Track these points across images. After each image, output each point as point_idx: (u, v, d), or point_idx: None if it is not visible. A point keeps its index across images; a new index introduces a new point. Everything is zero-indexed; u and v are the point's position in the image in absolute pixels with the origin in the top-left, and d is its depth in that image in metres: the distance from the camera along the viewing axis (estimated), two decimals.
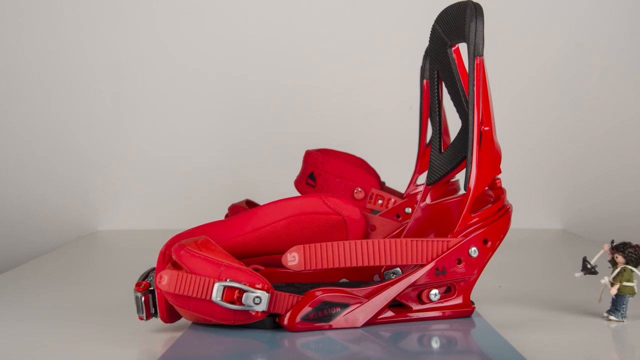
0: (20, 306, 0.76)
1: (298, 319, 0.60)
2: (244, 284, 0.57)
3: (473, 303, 0.65)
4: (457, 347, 0.58)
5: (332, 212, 0.67)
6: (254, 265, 0.66)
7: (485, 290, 0.73)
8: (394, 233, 0.71)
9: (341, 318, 0.60)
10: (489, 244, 0.63)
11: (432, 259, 0.61)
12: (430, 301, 0.63)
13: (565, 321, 0.66)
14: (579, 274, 0.67)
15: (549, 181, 1.46)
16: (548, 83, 1.46)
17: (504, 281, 0.84)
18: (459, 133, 0.65)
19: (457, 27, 0.63)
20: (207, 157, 1.46)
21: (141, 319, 0.63)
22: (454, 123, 0.72)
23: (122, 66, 1.44)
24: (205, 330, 0.61)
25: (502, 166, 0.64)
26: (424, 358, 0.56)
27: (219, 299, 0.57)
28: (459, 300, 0.64)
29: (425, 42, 0.72)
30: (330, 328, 0.60)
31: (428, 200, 0.70)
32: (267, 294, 0.58)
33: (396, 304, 0.63)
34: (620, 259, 0.65)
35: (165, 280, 0.58)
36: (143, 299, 0.62)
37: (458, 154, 0.65)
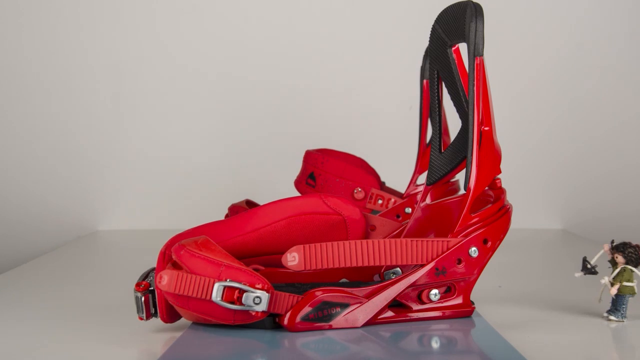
0: (20, 306, 0.76)
1: (298, 319, 0.60)
2: (244, 284, 0.57)
3: (473, 303, 0.65)
4: (457, 347, 0.58)
5: (332, 212, 0.67)
6: (254, 265, 0.66)
7: (485, 290, 0.73)
8: (394, 233, 0.71)
9: (341, 318, 0.60)
10: (489, 244, 0.63)
11: (432, 259, 0.61)
12: (430, 301, 0.63)
13: (565, 321, 0.66)
14: (579, 274, 0.67)
15: (549, 181, 1.46)
16: (548, 83, 1.46)
17: (504, 281, 0.84)
18: (459, 133, 0.65)
19: (457, 27, 0.63)
20: (207, 157, 1.46)
21: (141, 319, 0.63)
22: (454, 123, 0.72)
23: (122, 66, 1.44)
24: (205, 330, 0.61)
25: (502, 166, 0.64)
26: (424, 358, 0.56)
27: (219, 299, 0.57)
28: (459, 300, 0.64)
29: (425, 42, 0.72)
30: (330, 328, 0.60)
31: (428, 200, 0.70)
32: (267, 294, 0.58)
33: (396, 304, 0.63)
34: (620, 259, 0.65)
35: (165, 280, 0.58)
36: (143, 299, 0.62)
37: (458, 154, 0.65)
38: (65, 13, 1.43)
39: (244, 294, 0.57)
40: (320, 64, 1.46)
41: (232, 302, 0.57)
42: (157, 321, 0.64)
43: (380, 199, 0.98)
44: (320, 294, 0.60)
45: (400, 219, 0.96)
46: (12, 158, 1.44)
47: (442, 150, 0.68)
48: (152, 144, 1.45)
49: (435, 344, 0.58)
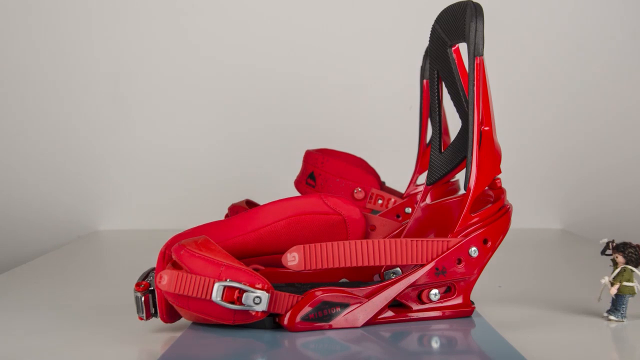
0: (21, 306, 0.76)
1: (298, 318, 0.60)
2: (244, 284, 0.57)
3: (473, 303, 0.65)
4: (457, 347, 0.58)
5: (332, 212, 0.67)
6: (254, 265, 0.66)
7: (485, 290, 0.73)
8: (394, 233, 0.71)
9: (341, 318, 0.60)
10: (489, 244, 0.63)
11: (432, 259, 0.61)
12: (430, 301, 0.63)
13: (565, 321, 0.66)
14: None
15: (549, 181, 1.46)
16: (548, 83, 1.46)
17: (504, 281, 0.84)
18: (459, 133, 0.65)
19: (457, 27, 0.63)
20: (207, 157, 1.46)
21: (141, 319, 0.63)
22: (454, 123, 0.72)
23: (122, 66, 1.44)
24: (205, 330, 0.61)
25: (502, 166, 0.64)
26: (424, 358, 0.56)
27: (219, 299, 0.57)
28: (459, 300, 0.64)
29: (425, 42, 0.72)
30: (330, 328, 0.60)
31: (428, 200, 0.70)
32: (267, 294, 0.58)
33: (396, 304, 0.63)
34: (620, 259, 0.65)
35: (165, 280, 0.58)
36: (143, 299, 0.62)
37: (458, 153, 0.65)
38: (66, 13, 1.43)
39: (244, 294, 0.57)
40: (320, 64, 1.46)
41: (232, 302, 0.57)
42: (157, 321, 0.64)
43: (380, 199, 0.98)
44: (320, 294, 0.60)
45: (400, 219, 0.96)
46: (13, 158, 1.44)
47: (442, 150, 0.68)
48: (152, 144, 1.45)
49: (435, 344, 0.58)
